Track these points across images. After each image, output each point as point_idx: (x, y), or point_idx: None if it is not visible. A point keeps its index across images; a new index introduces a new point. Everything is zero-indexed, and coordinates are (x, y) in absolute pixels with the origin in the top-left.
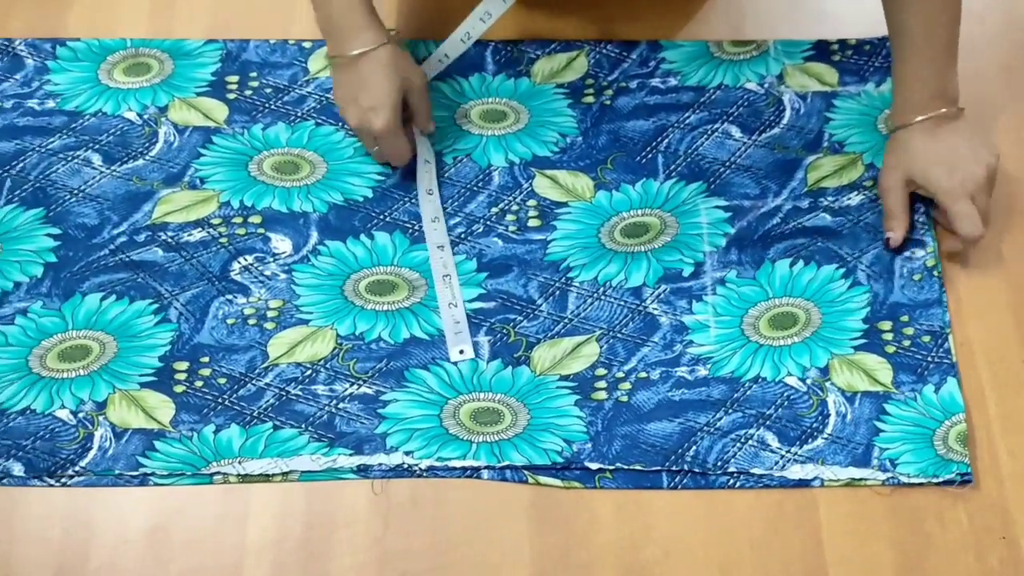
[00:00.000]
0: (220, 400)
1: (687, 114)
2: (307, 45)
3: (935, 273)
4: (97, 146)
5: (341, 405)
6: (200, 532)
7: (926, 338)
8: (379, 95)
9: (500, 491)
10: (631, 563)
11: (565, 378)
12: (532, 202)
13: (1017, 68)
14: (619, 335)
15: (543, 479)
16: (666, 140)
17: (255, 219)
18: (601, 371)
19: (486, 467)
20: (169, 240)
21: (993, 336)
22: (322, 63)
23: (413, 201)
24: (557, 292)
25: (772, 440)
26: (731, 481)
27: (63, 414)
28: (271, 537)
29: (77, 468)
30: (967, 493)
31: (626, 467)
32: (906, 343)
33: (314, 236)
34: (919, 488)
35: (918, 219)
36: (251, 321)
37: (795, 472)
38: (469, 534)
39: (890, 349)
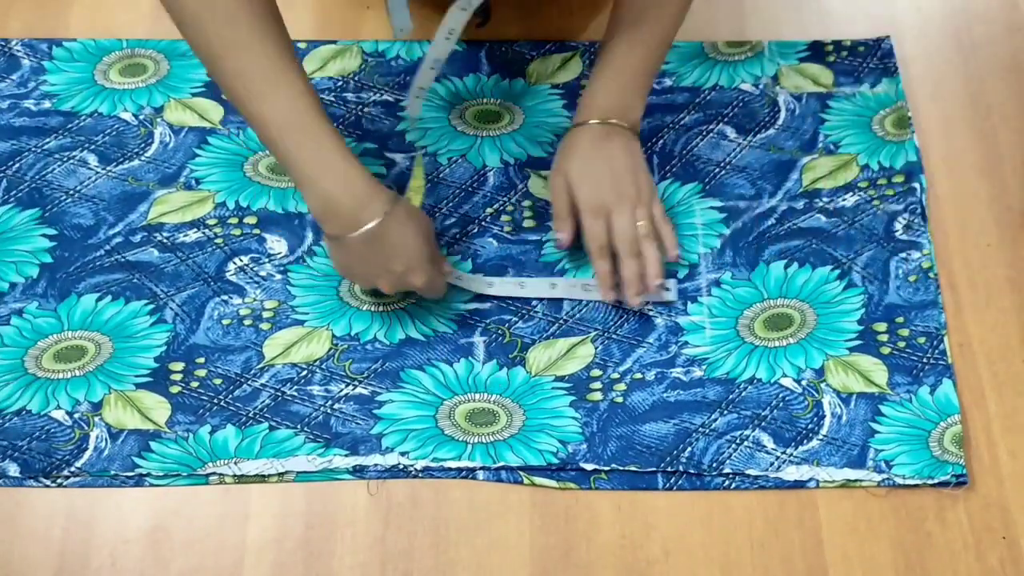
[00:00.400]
0: (216, 401)
1: (682, 115)
2: (302, 46)
3: (931, 275)
4: (93, 146)
5: (337, 406)
6: (200, 532)
7: (921, 339)
8: (413, 255)
9: (500, 491)
10: (631, 563)
11: (560, 379)
12: (527, 203)
13: (1018, 69)
14: (614, 336)
15: (538, 480)
16: (661, 140)
17: (250, 220)
18: (596, 372)
19: (481, 468)
20: (165, 241)
21: (993, 336)
22: (316, 64)
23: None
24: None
25: (767, 441)
26: (726, 482)
27: (59, 415)
28: (271, 537)
29: (73, 469)
30: (968, 493)
31: (621, 468)
32: (901, 344)
33: (309, 237)
34: (919, 488)
35: (914, 220)
36: (247, 322)
37: (790, 473)
38: (469, 534)
39: (885, 350)
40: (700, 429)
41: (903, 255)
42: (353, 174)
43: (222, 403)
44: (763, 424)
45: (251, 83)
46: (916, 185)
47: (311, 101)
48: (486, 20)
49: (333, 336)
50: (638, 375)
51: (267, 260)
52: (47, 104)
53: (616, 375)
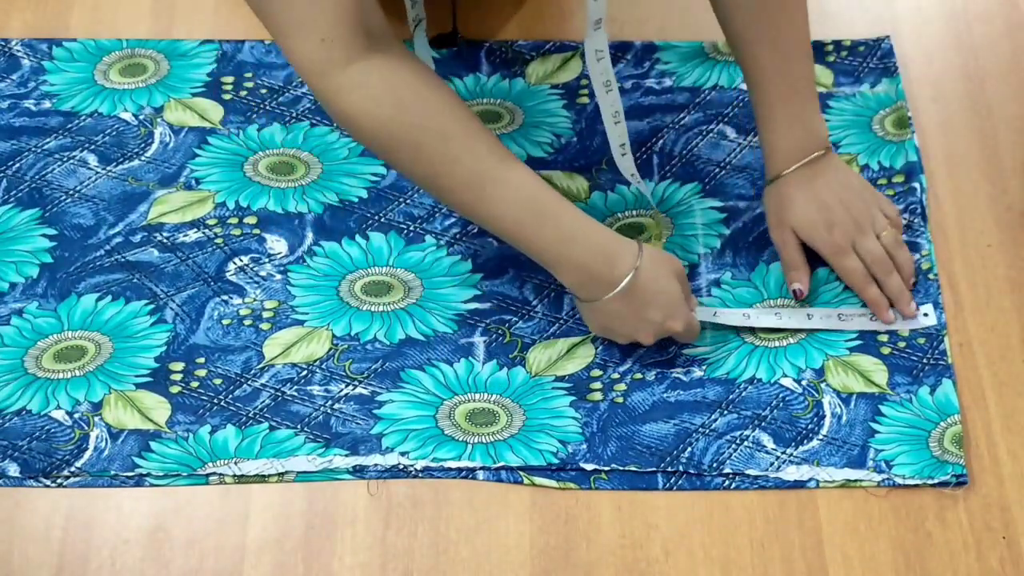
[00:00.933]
0: (216, 401)
1: (682, 115)
2: None
3: (931, 276)
4: (93, 146)
5: (337, 406)
6: (200, 532)
7: (921, 340)
8: (670, 301)
9: (500, 491)
10: (631, 563)
11: (560, 379)
12: None
13: (1018, 69)
14: None
15: (538, 480)
16: (661, 141)
17: (250, 220)
18: (596, 372)
19: (481, 468)
20: (165, 241)
21: (993, 336)
22: None
23: (408, 202)
24: (552, 293)
25: (767, 441)
26: (726, 482)
27: (59, 415)
28: (271, 537)
29: (73, 469)
30: (968, 493)
31: (621, 468)
32: (901, 344)
33: (309, 237)
34: (919, 488)
35: (914, 220)
36: (247, 322)
37: (790, 473)
38: (469, 534)
39: (885, 351)
40: (700, 429)
41: None
42: (596, 237)
43: (222, 403)
44: (763, 424)
45: (476, 190)
46: (916, 185)
47: (533, 183)
48: (454, 43)
49: (333, 336)
50: (638, 375)
51: (267, 260)
52: (47, 104)
53: (616, 375)
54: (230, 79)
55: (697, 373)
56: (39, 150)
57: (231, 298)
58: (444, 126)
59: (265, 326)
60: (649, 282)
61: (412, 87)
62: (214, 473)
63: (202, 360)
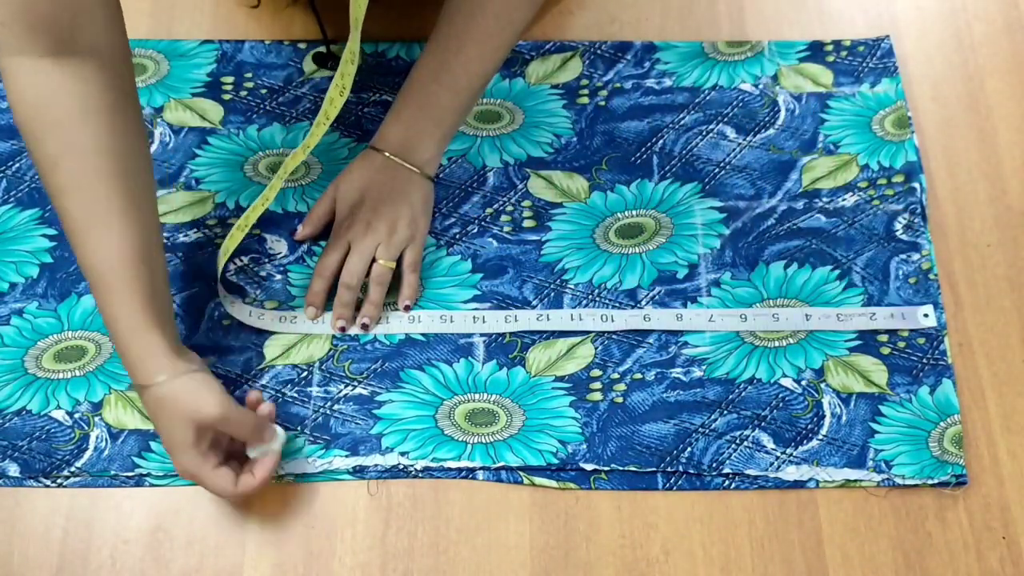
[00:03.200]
0: None
1: (682, 115)
2: (302, 46)
3: (931, 276)
4: None
5: (336, 406)
6: (200, 532)
7: (921, 340)
8: (169, 441)
9: (500, 491)
10: (631, 563)
11: (560, 379)
12: (527, 203)
13: (1018, 68)
14: (614, 336)
15: (538, 480)
16: (661, 141)
17: None
18: (596, 372)
19: (481, 468)
20: (165, 241)
21: (993, 336)
22: (317, 65)
23: None
24: (552, 294)
25: (767, 441)
26: (726, 482)
27: (59, 415)
28: (271, 537)
29: (73, 469)
30: (968, 493)
31: (621, 468)
32: (901, 344)
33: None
34: (919, 488)
35: (914, 220)
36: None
37: (790, 473)
38: (469, 534)
39: (885, 351)
40: (700, 429)
41: (903, 256)
42: (132, 340)
43: None
44: (763, 424)
45: (75, 233)
46: (916, 185)
47: (119, 255)
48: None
49: (333, 337)
50: (638, 375)
51: (267, 260)
52: None
53: (616, 375)
54: (230, 79)
55: (697, 373)
56: None
57: (232, 299)
58: (56, 160)
59: None
60: (156, 413)
61: (65, 109)
62: None
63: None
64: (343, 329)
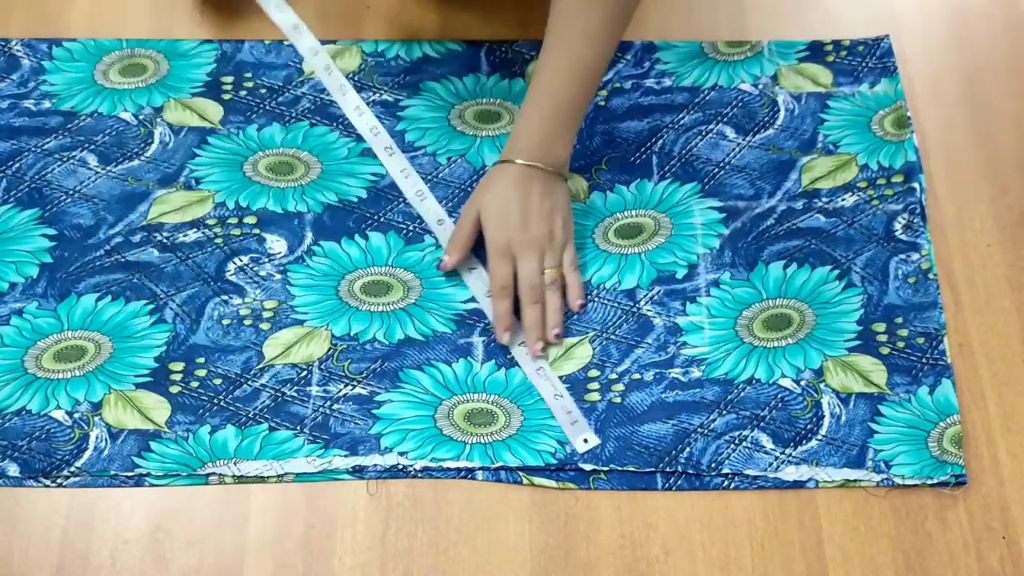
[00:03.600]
0: (216, 401)
1: (681, 115)
2: None
3: (931, 276)
4: (93, 147)
5: (336, 406)
6: (200, 532)
7: (921, 340)
8: None
9: (500, 491)
10: (631, 563)
11: (559, 379)
12: None
13: (1018, 68)
14: (612, 337)
15: (537, 480)
16: (660, 141)
17: (250, 220)
18: (594, 372)
19: (480, 468)
20: (165, 241)
21: (993, 336)
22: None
23: (407, 202)
24: None
25: (766, 441)
26: (725, 483)
27: (59, 415)
28: (271, 537)
29: (73, 469)
30: (968, 493)
31: (620, 468)
32: (901, 344)
33: (309, 236)
34: (919, 488)
35: (914, 220)
36: (247, 322)
37: (789, 473)
38: (469, 534)
39: (884, 351)
40: (699, 429)
41: (903, 256)
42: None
43: (222, 403)
44: (762, 424)
45: None
46: (915, 185)
47: None
48: None
49: (332, 336)
50: (636, 376)
51: (267, 260)
52: (47, 104)
53: (614, 375)
54: (230, 79)
55: (695, 373)
56: (39, 150)
57: (231, 298)
58: None
59: (265, 326)
60: None
61: None
62: (213, 473)
63: (202, 360)
64: (543, 349)
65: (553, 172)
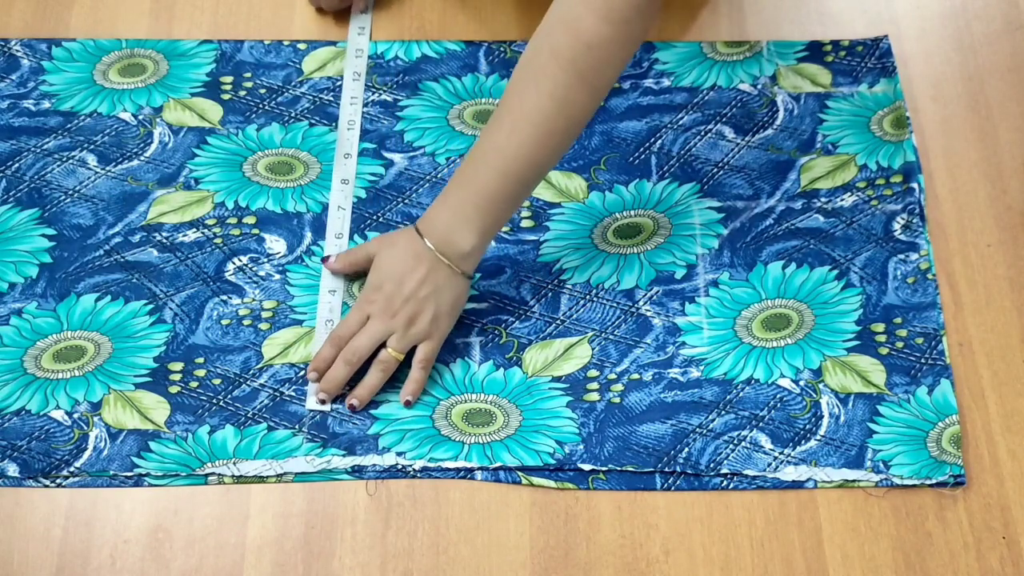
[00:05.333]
0: (215, 401)
1: (680, 115)
2: (302, 47)
3: (929, 276)
4: (92, 147)
5: (334, 406)
6: (200, 532)
7: (919, 340)
8: None
9: (500, 491)
10: (631, 563)
11: (557, 379)
12: (525, 203)
13: (1018, 68)
14: (611, 337)
15: (536, 480)
16: (659, 141)
17: (249, 220)
18: (593, 372)
19: (479, 468)
20: (164, 241)
21: (993, 336)
22: (316, 64)
23: (406, 201)
24: (549, 294)
25: (765, 441)
26: (724, 483)
27: (58, 415)
28: (271, 537)
29: (72, 469)
30: (968, 493)
31: (619, 469)
32: (899, 345)
33: (308, 236)
34: (919, 488)
35: (913, 220)
36: (246, 322)
37: (788, 474)
38: (469, 534)
39: (883, 351)
40: (697, 430)
41: (901, 256)
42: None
43: (221, 403)
44: (761, 425)
45: None
46: (914, 185)
47: None
48: None
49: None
50: (635, 376)
51: (266, 260)
52: (46, 104)
53: (613, 375)
54: (229, 79)
55: (694, 373)
56: (38, 150)
57: (230, 298)
58: None
59: (264, 326)
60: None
61: None
62: (213, 473)
63: (201, 360)
64: (323, 402)
65: (448, 264)
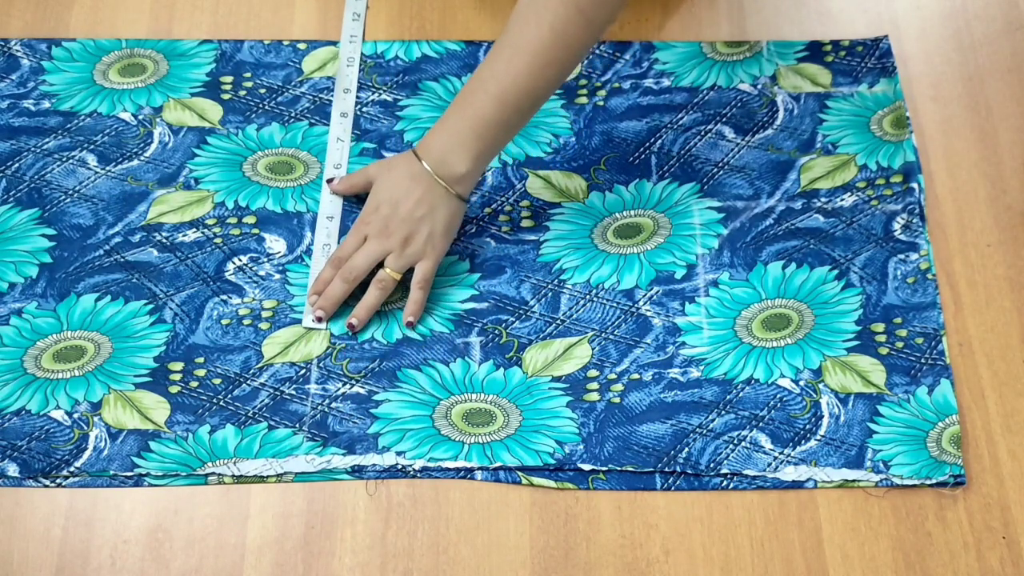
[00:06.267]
0: (215, 400)
1: (680, 115)
2: (301, 47)
3: (929, 276)
4: (92, 146)
5: (334, 405)
6: (200, 532)
7: (919, 340)
8: None
9: (500, 491)
10: (631, 563)
11: (557, 379)
12: (525, 203)
13: (1018, 68)
14: (611, 337)
15: (536, 480)
16: (659, 141)
17: (249, 219)
18: (593, 372)
19: (479, 468)
20: (164, 241)
21: (993, 336)
22: (316, 64)
23: None
24: (550, 294)
25: (765, 442)
26: (724, 483)
27: (58, 415)
28: (271, 537)
29: (72, 469)
30: (968, 493)
31: (618, 469)
32: (899, 345)
33: (308, 236)
34: (919, 488)
35: (912, 220)
36: (246, 321)
37: (788, 474)
38: (469, 534)
39: (883, 351)
40: (697, 430)
41: (901, 256)
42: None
43: (221, 403)
44: (761, 424)
45: None
46: (914, 185)
47: None
48: None
49: (331, 335)
50: (635, 376)
51: (266, 260)
52: (46, 104)
53: (613, 375)
54: (229, 79)
55: (694, 373)
56: (38, 150)
57: (230, 298)
58: None
59: (264, 326)
60: None
61: None
62: (213, 473)
63: (201, 360)
64: (319, 319)
65: (444, 185)
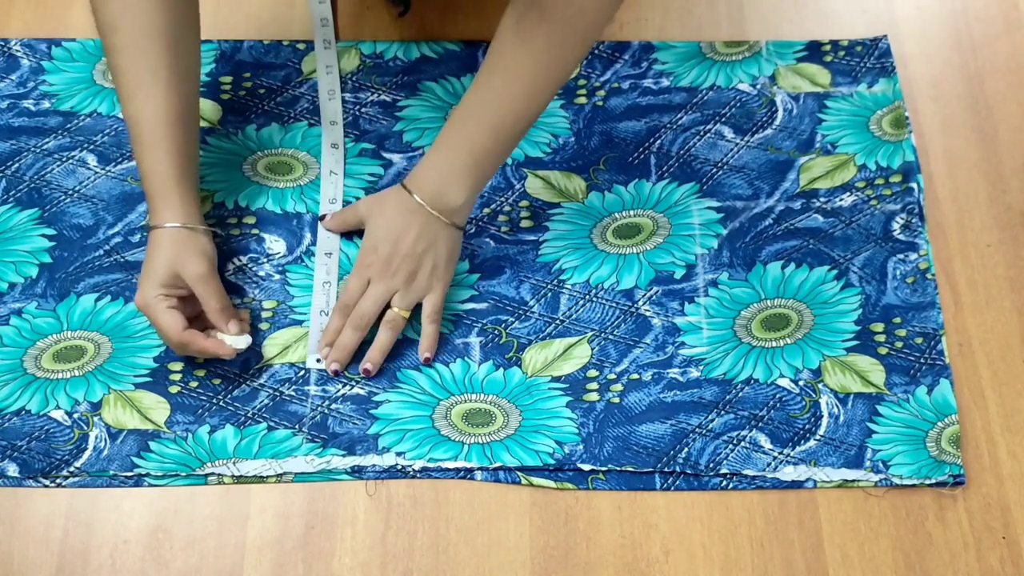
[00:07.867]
0: (215, 401)
1: (679, 115)
2: (301, 47)
3: (928, 276)
4: (92, 146)
5: (334, 406)
6: (200, 532)
7: (919, 340)
8: (145, 272)
9: (500, 491)
10: (631, 563)
11: (557, 379)
12: (524, 203)
13: (1018, 68)
14: (611, 337)
15: (536, 480)
16: (658, 141)
17: (249, 220)
18: (593, 372)
19: (479, 468)
20: None
21: (993, 336)
22: (314, 65)
23: None
24: (549, 294)
25: (764, 441)
26: (724, 483)
27: (58, 415)
28: (271, 537)
29: (72, 469)
30: (968, 493)
31: (618, 469)
32: (899, 345)
33: (307, 237)
34: (919, 488)
35: (912, 220)
36: None
37: (788, 473)
38: (469, 534)
39: (883, 351)
40: (697, 430)
41: (900, 256)
42: (171, 188)
43: (221, 403)
44: (760, 424)
45: (122, 88)
46: (914, 185)
47: (168, 112)
48: (407, 9)
49: None
50: (635, 376)
51: (266, 260)
52: (46, 104)
53: (613, 376)
54: (228, 79)
55: (694, 373)
56: (38, 150)
57: (230, 298)
58: (127, 21)
59: (264, 326)
60: (151, 249)
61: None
62: (212, 473)
63: (201, 360)
64: (336, 373)
65: (440, 218)
